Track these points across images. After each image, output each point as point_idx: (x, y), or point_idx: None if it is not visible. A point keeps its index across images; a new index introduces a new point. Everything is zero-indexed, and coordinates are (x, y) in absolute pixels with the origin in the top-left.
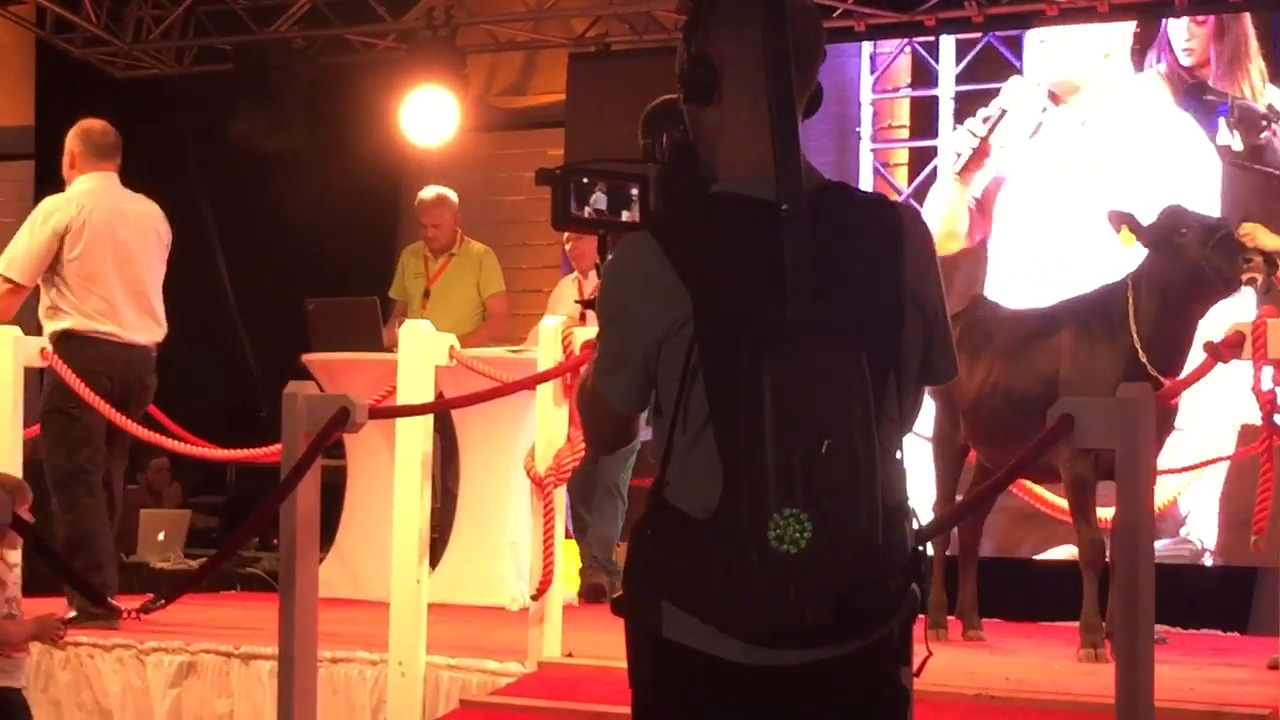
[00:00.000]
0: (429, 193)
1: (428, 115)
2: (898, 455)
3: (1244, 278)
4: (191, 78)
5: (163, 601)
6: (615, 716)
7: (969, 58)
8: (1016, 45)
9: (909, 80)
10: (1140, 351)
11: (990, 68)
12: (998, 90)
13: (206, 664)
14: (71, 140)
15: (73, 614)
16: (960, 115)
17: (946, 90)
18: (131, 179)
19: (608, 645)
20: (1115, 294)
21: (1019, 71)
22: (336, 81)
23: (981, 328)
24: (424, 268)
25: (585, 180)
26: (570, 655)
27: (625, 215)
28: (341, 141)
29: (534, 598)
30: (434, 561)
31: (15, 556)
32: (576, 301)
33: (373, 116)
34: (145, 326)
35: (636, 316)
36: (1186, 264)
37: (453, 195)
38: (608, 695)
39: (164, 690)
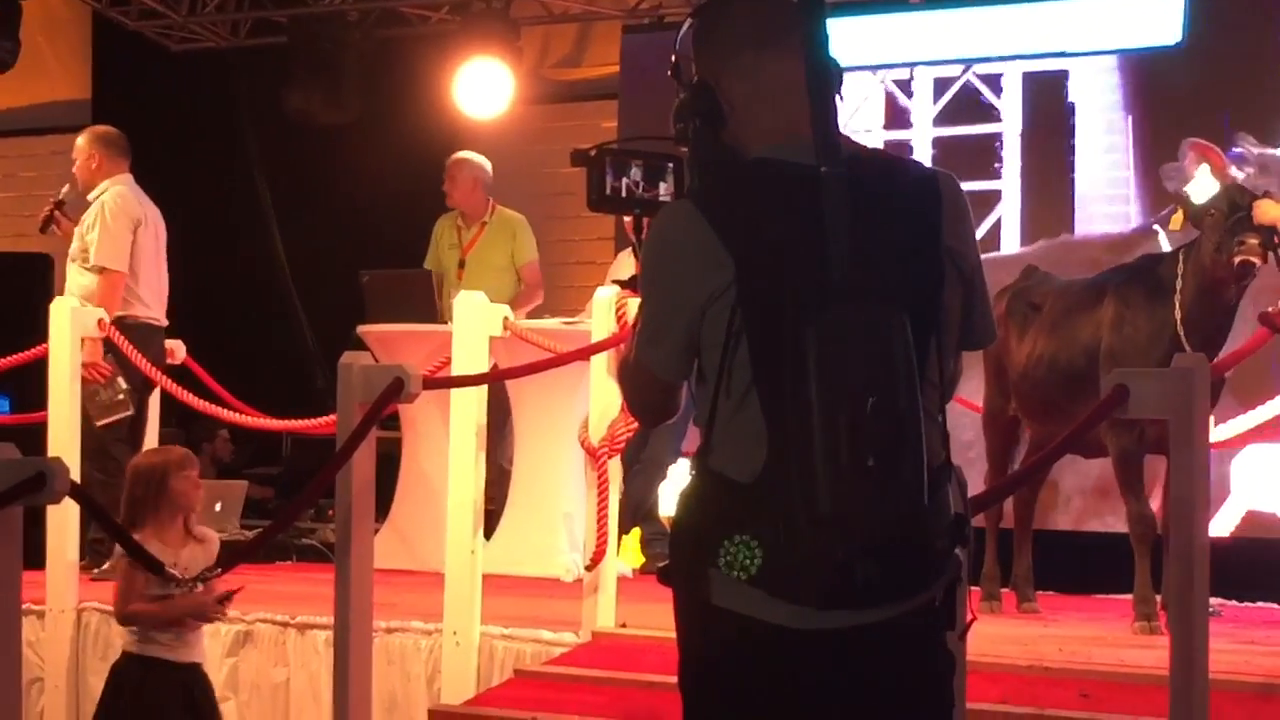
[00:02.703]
0: (451, 156)
1: (482, 88)
2: (939, 418)
3: (1236, 260)
4: (247, 50)
5: (219, 571)
6: (669, 686)
7: (946, 97)
8: (996, 85)
9: (882, 122)
10: (1179, 325)
11: (970, 109)
12: (978, 135)
13: (263, 633)
14: (92, 145)
15: (235, 588)
16: (938, 162)
17: (923, 133)
18: (187, 152)
19: (661, 616)
20: (1166, 262)
21: (998, 114)
22: (391, 54)
23: (1029, 298)
24: (457, 238)
25: (619, 161)
26: (624, 626)
27: (661, 194)
28: (396, 114)
29: (588, 568)
30: (488, 533)
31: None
32: (614, 280)
33: (427, 89)
34: (163, 312)
35: (679, 283)
36: (1211, 243)
37: (477, 159)
38: (661, 665)
39: (220, 659)
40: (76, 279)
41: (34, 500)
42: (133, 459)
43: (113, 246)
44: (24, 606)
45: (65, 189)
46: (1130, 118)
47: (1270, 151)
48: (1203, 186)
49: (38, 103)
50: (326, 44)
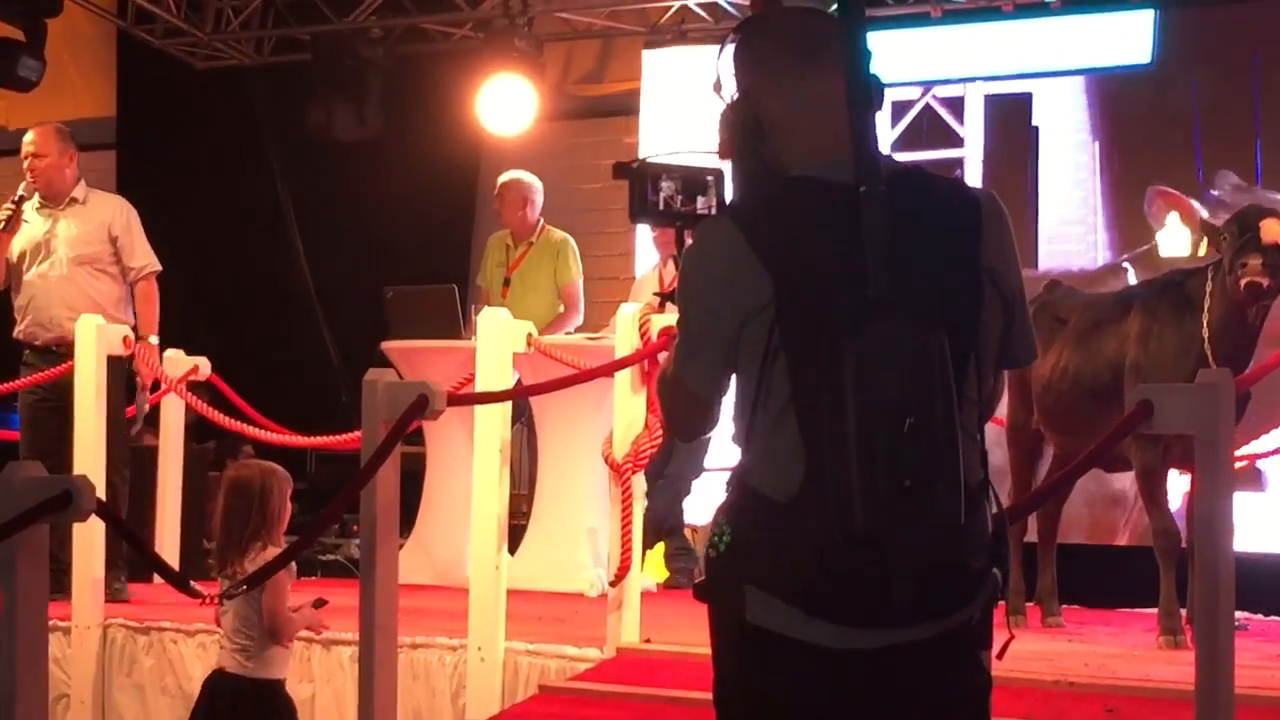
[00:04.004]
0: (501, 176)
1: (504, 104)
2: (977, 437)
3: (1242, 283)
4: (270, 68)
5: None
6: (693, 702)
7: (905, 120)
8: (958, 109)
9: None
10: (1207, 343)
11: (930, 133)
12: (938, 161)
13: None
14: (66, 143)
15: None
16: None
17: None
18: (211, 169)
19: (686, 631)
20: (1194, 278)
21: (959, 138)
22: (414, 71)
23: (1055, 312)
24: (505, 256)
25: (661, 173)
26: (649, 641)
27: (701, 207)
28: (419, 130)
29: (612, 584)
30: (513, 548)
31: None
32: (655, 294)
33: (450, 105)
34: None
35: (717, 300)
36: (1226, 265)
37: (527, 179)
38: (686, 681)
39: None
40: (90, 283)
41: (60, 518)
42: (246, 473)
43: (148, 248)
44: (50, 623)
45: (24, 186)
46: (1097, 144)
47: (1252, 189)
48: (1173, 234)
49: (62, 120)
50: (349, 61)
